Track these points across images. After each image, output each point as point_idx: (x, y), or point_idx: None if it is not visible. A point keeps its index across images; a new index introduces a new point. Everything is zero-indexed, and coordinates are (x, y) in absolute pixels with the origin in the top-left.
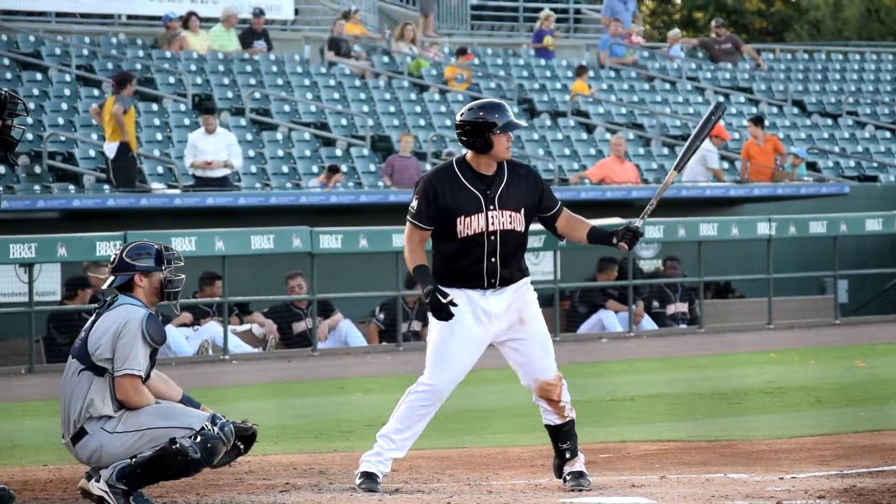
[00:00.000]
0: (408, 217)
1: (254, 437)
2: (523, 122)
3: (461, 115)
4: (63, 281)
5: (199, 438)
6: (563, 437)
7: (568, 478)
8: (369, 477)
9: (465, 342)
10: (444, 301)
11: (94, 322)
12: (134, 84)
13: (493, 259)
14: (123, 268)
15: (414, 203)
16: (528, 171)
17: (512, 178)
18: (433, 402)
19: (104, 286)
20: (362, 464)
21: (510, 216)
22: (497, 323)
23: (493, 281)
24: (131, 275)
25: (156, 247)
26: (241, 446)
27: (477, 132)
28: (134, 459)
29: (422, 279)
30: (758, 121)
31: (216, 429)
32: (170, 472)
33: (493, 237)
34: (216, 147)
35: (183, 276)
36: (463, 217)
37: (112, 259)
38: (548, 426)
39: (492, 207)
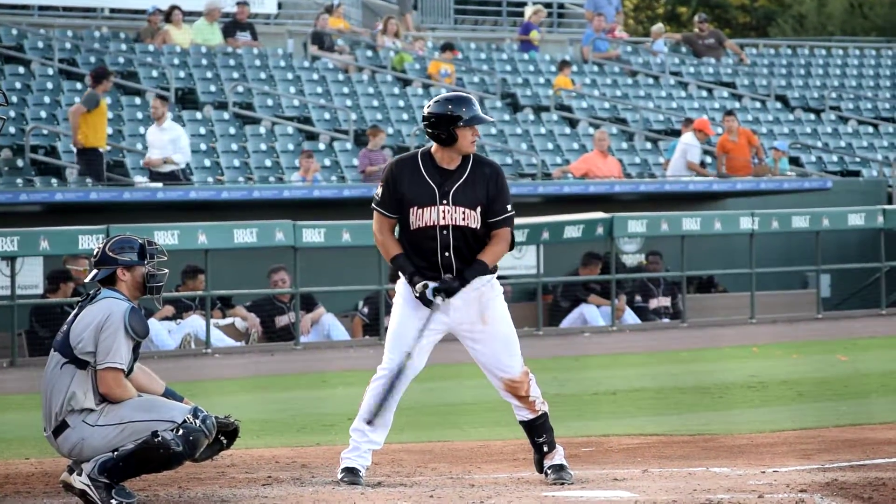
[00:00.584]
0: (373, 205)
1: (236, 432)
2: (490, 118)
3: (428, 108)
4: (45, 274)
5: (181, 431)
6: (537, 431)
7: (549, 472)
8: (351, 471)
9: (420, 327)
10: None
11: (76, 315)
12: (111, 80)
13: (446, 254)
14: (106, 261)
15: (378, 190)
16: (494, 169)
17: (473, 175)
18: (393, 386)
19: (87, 279)
20: (342, 461)
21: (464, 213)
22: (455, 314)
23: (448, 274)
24: (114, 269)
25: (139, 241)
26: (224, 441)
27: (442, 125)
28: (116, 453)
29: (401, 268)
30: (731, 114)
31: (198, 422)
32: (152, 465)
33: (444, 232)
34: (162, 142)
35: (166, 270)
36: (416, 208)
37: (95, 253)
38: (522, 422)
39: (445, 202)
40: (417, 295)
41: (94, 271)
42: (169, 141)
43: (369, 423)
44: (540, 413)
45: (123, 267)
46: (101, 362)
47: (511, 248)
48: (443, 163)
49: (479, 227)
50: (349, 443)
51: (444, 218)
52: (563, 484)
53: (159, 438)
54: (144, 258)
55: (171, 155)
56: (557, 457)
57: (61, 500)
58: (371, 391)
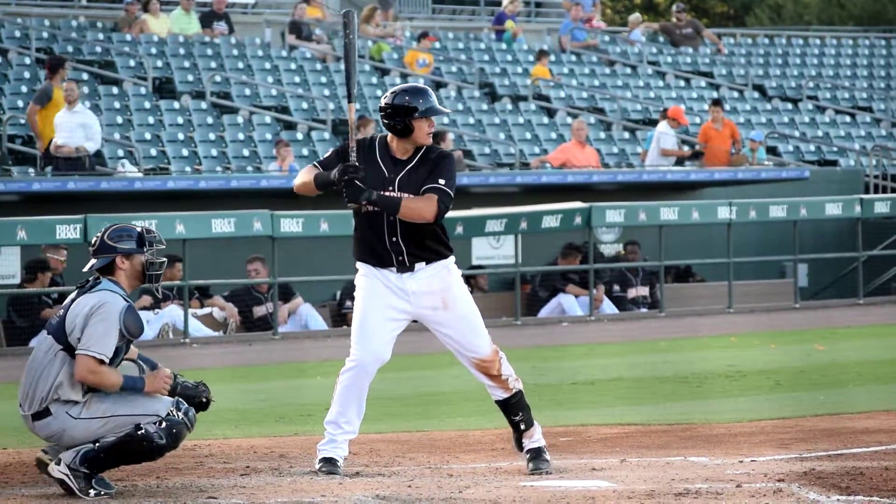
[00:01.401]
0: (311, 165)
1: (207, 404)
2: (446, 109)
3: (384, 99)
4: (23, 264)
5: (164, 424)
6: (513, 409)
7: (528, 456)
8: (329, 461)
9: (385, 315)
10: (354, 168)
11: (73, 300)
12: (66, 67)
13: (394, 238)
14: (104, 250)
15: (328, 153)
16: (440, 154)
17: (420, 162)
18: (361, 377)
19: (85, 268)
20: (319, 452)
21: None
22: (417, 300)
23: (400, 259)
24: (112, 257)
25: (138, 229)
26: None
27: (399, 116)
28: (97, 444)
29: (325, 178)
30: (718, 104)
31: (181, 414)
32: (133, 457)
33: (391, 217)
34: (71, 126)
35: (164, 259)
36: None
37: (93, 241)
38: (497, 402)
39: (391, 189)
40: (336, 178)
41: (93, 260)
42: (78, 125)
43: (342, 414)
44: (514, 391)
45: (122, 255)
46: (82, 348)
47: (435, 219)
48: (397, 153)
49: None
50: (324, 435)
51: None
52: (541, 474)
53: (142, 431)
54: (143, 246)
55: (82, 141)
56: (536, 435)
57: (38, 489)
58: (341, 384)
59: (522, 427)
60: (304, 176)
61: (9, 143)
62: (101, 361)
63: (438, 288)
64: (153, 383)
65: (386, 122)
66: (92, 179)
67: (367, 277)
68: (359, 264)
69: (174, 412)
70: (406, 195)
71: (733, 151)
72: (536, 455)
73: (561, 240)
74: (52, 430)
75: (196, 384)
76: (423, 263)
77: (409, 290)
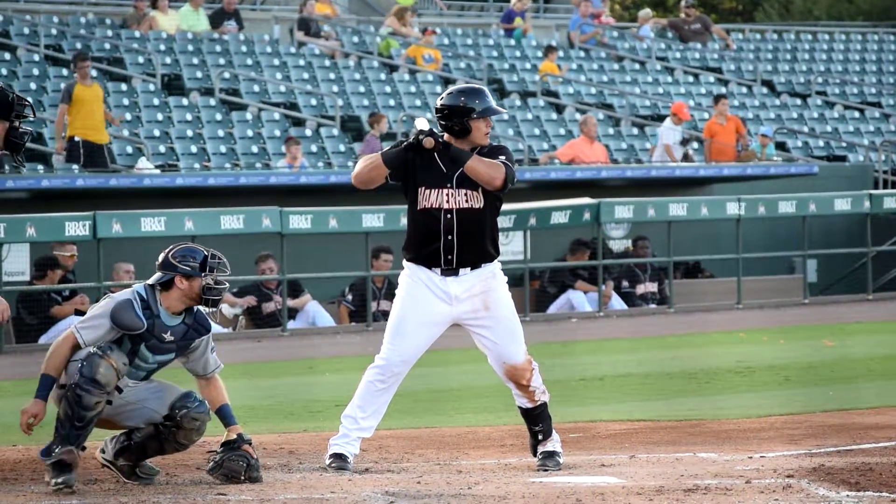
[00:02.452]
0: (376, 154)
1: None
2: (503, 109)
3: (441, 100)
4: (32, 261)
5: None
6: (535, 420)
7: (540, 457)
8: (339, 457)
9: (423, 319)
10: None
11: None
12: (83, 62)
13: (449, 237)
14: (167, 267)
15: (392, 148)
16: (493, 146)
17: (483, 155)
18: (388, 378)
19: (149, 281)
20: (331, 447)
21: (466, 194)
22: (459, 305)
23: (449, 258)
24: (173, 275)
25: (204, 252)
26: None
27: (456, 116)
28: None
29: (392, 154)
30: (722, 98)
31: (94, 349)
32: (71, 414)
33: (449, 215)
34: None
35: (226, 284)
36: (424, 189)
37: (160, 256)
38: (520, 408)
39: (450, 185)
40: (414, 140)
41: (158, 274)
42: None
43: (362, 409)
44: (539, 403)
45: (182, 275)
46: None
47: (503, 185)
48: (465, 146)
49: (482, 206)
50: (339, 429)
51: (447, 201)
52: (546, 470)
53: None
54: (205, 270)
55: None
56: (551, 444)
57: (48, 486)
58: (366, 380)
59: (540, 437)
60: (366, 160)
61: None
62: (75, 340)
63: (480, 291)
64: (22, 413)
65: (443, 123)
66: (101, 176)
67: (410, 278)
68: (406, 263)
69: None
70: (465, 150)
71: (739, 147)
72: (548, 455)
73: (570, 236)
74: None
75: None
76: (469, 269)
77: (451, 293)
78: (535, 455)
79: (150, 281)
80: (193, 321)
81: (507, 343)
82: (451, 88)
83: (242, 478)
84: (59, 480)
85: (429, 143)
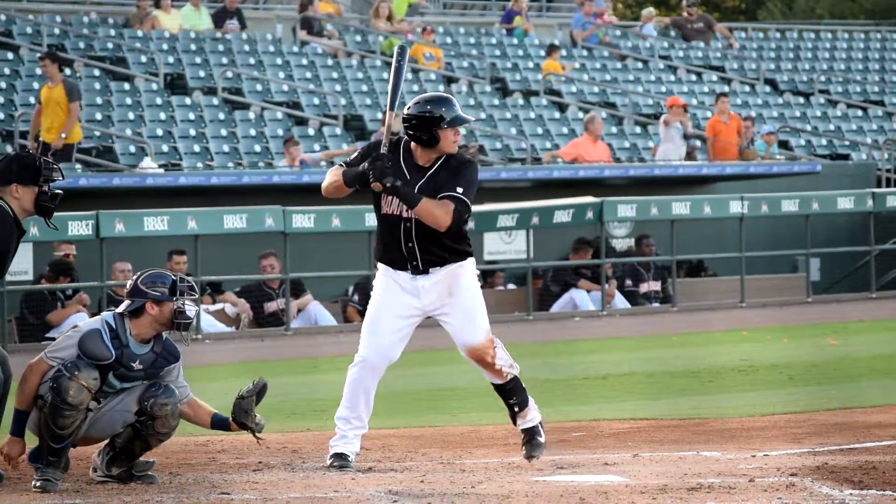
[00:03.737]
0: (339, 163)
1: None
2: (471, 118)
3: (408, 109)
4: (35, 261)
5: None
6: (507, 394)
7: (523, 438)
8: (340, 457)
9: (394, 313)
10: (383, 155)
11: None
12: (45, 61)
13: (409, 244)
14: (136, 294)
15: (353, 155)
16: (460, 161)
17: (441, 169)
18: (368, 373)
19: (119, 309)
20: (331, 448)
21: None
22: (427, 296)
23: (415, 264)
24: (143, 302)
25: (172, 277)
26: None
27: (424, 126)
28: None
29: (353, 173)
30: (722, 96)
31: (64, 370)
32: (51, 425)
33: (408, 224)
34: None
35: (197, 308)
36: (386, 195)
37: (128, 284)
38: (492, 385)
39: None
40: (364, 167)
41: (126, 301)
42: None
43: (351, 409)
44: (508, 378)
45: (152, 301)
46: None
47: (448, 228)
48: (420, 160)
49: None
50: (335, 431)
51: (406, 210)
52: (533, 458)
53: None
54: (175, 294)
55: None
56: (530, 415)
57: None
58: (349, 379)
59: (516, 409)
60: (331, 176)
61: (20, 139)
62: (45, 364)
63: (447, 281)
64: (5, 444)
65: (410, 133)
66: (104, 176)
67: (383, 277)
68: (378, 264)
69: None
70: (414, 194)
71: (747, 146)
72: (530, 437)
73: (573, 235)
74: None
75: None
76: (438, 267)
77: (419, 286)
78: (514, 424)
79: (120, 309)
80: (162, 349)
81: (465, 325)
82: (418, 98)
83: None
84: (38, 485)
85: (377, 187)
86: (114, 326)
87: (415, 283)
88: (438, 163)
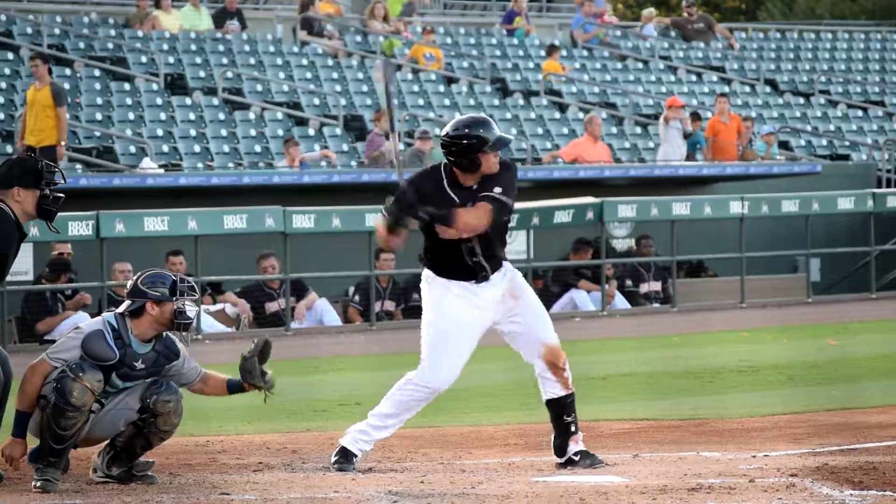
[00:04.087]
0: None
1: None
2: (511, 137)
3: (447, 135)
4: (43, 262)
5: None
6: (567, 409)
7: (577, 458)
8: (346, 456)
9: (465, 332)
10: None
11: None
12: (34, 63)
13: (474, 259)
14: (137, 294)
15: (392, 202)
16: (503, 164)
17: (485, 181)
18: (430, 396)
19: (119, 309)
20: (346, 436)
21: None
22: (495, 308)
23: (484, 274)
24: (143, 302)
25: (172, 277)
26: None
27: (465, 152)
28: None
29: (404, 203)
30: (722, 96)
31: (68, 369)
32: (51, 427)
33: (469, 242)
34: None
35: (197, 308)
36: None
37: (128, 284)
38: (550, 401)
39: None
40: (391, 210)
41: (127, 302)
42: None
43: (392, 417)
44: (571, 391)
45: (153, 301)
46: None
47: (492, 224)
48: (466, 182)
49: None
50: (363, 424)
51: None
52: (597, 466)
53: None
54: (175, 295)
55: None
56: (580, 439)
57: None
58: (409, 398)
59: (572, 429)
60: (379, 231)
61: (22, 139)
62: (48, 365)
63: (509, 285)
64: (7, 446)
65: (451, 158)
66: (104, 176)
67: (442, 290)
68: (434, 277)
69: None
70: (459, 210)
71: (747, 146)
72: (587, 454)
73: (573, 235)
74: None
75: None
76: (498, 272)
77: (489, 298)
78: (561, 456)
79: (120, 309)
80: (164, 347)
81: (541, 324)
82: (456, 122)
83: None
84: (38, 485)
85: (408, 227)
86: (116, 327)
87: (483, 295)
88: (483, 178)
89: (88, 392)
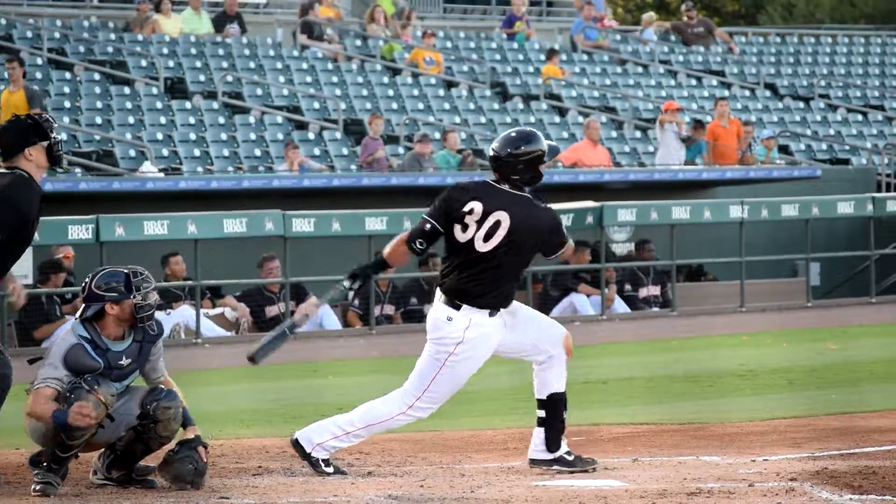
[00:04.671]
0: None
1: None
2: (557, 145)
3: (511, 153)
4: (35, 265)
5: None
6: (566, 404)
7: (572, 459)
8: (328, 464)
9: (478, 367)
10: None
11: None
12: (11, 65)
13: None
14: (93, 298)
15: (436, 204)
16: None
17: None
18: (418, 420)
19: (76, 317)
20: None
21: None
22: (502, 334)
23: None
24: (102, 304)
25: (125, 273)
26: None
27: (530, 166)
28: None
29: (374, 265)
30: (721, 100)
31: (83, 381)
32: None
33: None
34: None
35: (155, 297)
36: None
37: (83, 288)
38: (557, 394)
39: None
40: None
41: (82, 306)
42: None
43: (357, 437)
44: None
45: (111, 302)
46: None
47: None
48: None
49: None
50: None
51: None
52: (587, 470)
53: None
54: (131, 291)
55: None
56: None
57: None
58: (393, 422)
59: (564, 427)
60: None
61: None
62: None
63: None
64: (72, 412)
65: (516, 177)
66: (104, 180)
67: (479, 326)
68: (470, 311)
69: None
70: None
71: (742, 151)
72: (578, 457)
73: (573, 239)
74: None
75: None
76: None
77: (500, 325)
78: (555, 450)
79: (79, 315)
80: (143, 334)
81: (543, 322)
82: (507, 138)
83: (187, 480)
84: (38, 489)
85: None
86: (88, 336)
87: (501, 321)
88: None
89: (102, 406)
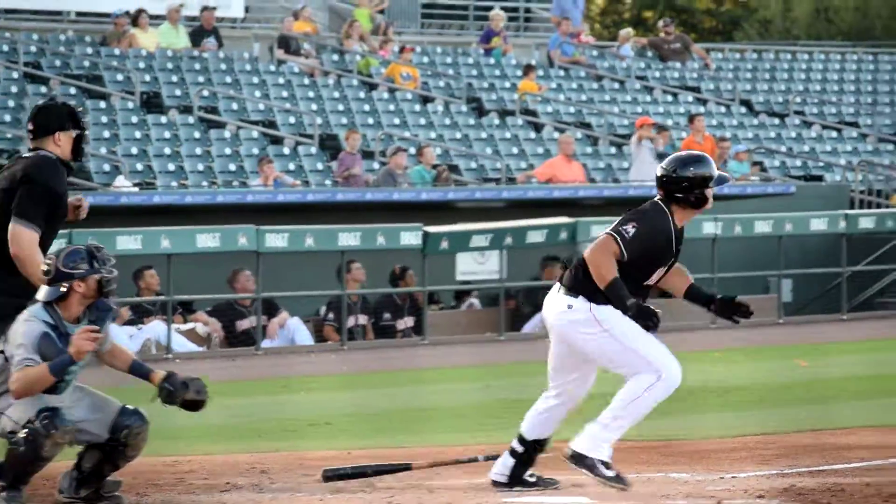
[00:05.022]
0: (615, 235)
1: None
2: (729, 175)
3: (679, 171)
4: None
5: (24, 433)
6: None
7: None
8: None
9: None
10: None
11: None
12: None
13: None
14: (62, 277)
15: (630, 229)
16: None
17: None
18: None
19: (43, 298)
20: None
21: None
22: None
23: None
24: (70, 283)
25: (84, 248)
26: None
27: (696, 188)
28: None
29: (622, 293)
30: (697, 116)
31: (38, 423)
32: (18, 464)
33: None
34: None
35: (115, 272)
36: (662, 269)
37: (46, 269)
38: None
39: (672, 262)
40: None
41: (48, 288)
42: None
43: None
44: None
45: (79, 279)
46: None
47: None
48: (681, 222)
49: None
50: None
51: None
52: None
53: (14, 438)
54: (94, 265)
55: None
56: None
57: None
58: (649, 402)
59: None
60: (610, 267)
61: None
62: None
63: None
64: (76, 342)
65: (680, 195)
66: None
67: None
68: (602, 306)
69: (34, 421)
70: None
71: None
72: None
73: (546, 255)
74: None
75: (186, 382)
76: None
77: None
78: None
79: (46, 298)
80: (95, 313)
81: None
82: (677, 159)
83: (199, 398)
84: None
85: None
86: (52, 322)
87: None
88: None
89: (59, 445)
